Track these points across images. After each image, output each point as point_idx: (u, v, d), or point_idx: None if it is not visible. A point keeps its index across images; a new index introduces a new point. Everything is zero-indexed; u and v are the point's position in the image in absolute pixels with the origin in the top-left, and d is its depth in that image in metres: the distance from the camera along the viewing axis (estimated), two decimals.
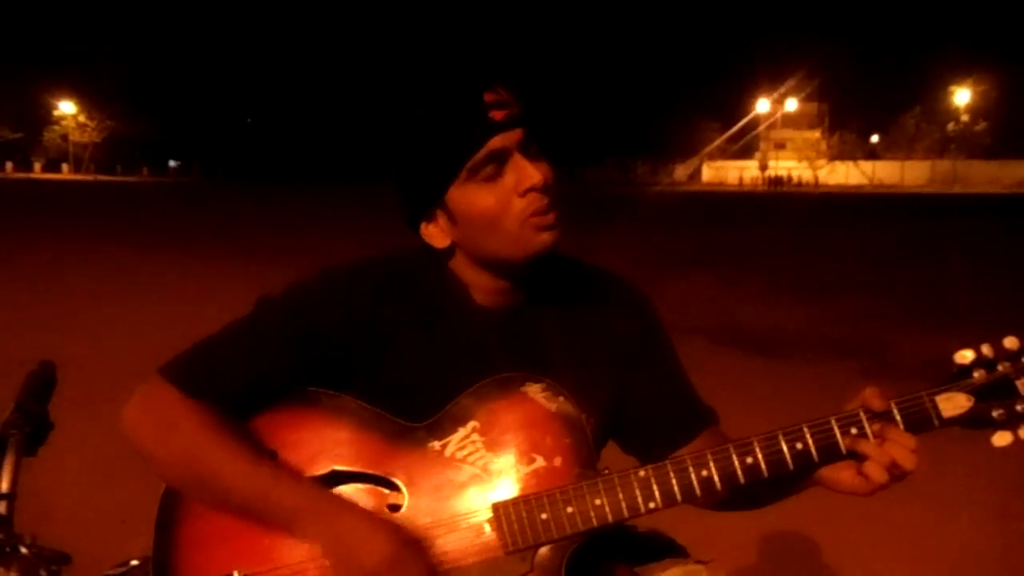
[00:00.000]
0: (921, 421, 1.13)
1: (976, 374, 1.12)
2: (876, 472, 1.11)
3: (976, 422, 1.12)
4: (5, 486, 1.21)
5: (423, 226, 1.26)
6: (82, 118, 78.79)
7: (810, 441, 1.13)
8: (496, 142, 1.18)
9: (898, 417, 1.13)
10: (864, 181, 78.63)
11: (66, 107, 79.29)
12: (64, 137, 79.27)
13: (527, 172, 1.19)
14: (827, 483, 1.18)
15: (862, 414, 1.14)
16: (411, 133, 1.22)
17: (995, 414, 1.12)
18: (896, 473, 1.12)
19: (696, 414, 1.37)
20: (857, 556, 3.10)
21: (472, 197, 1.20)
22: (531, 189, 1.19)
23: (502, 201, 1.19)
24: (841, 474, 1.16)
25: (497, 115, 1.18)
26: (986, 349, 1.13)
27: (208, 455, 1.16)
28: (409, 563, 1.11)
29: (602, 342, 1.34)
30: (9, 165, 75.11)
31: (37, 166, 78.62)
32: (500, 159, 1.19)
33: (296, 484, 1.16)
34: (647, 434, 1.36)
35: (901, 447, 1.11)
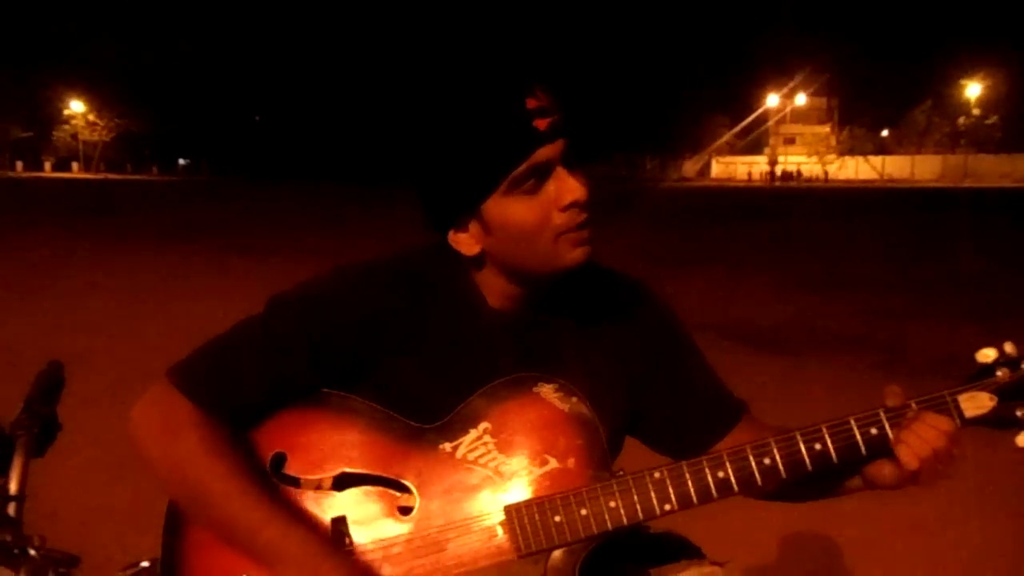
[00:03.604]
0: None
1: (999, 373, 1.11)
2: (907, 456, 1.10)
3: (999, 422, 1.10)
4: (14, 488, 1.20)
5: (452, 233, 1.21)
6: (92, 117, 79.04)
7: (829, 442, 1.12)
8: (541, 154, 1.12)
9: None
10: (874, 176, 78.31)
11: (76, 106, 79.57)
12: (74, 136, 79.52)
13: (570, 186, 1.14)
14: (871, 480, 1.17)
15: (882, 413, 1.12)
16: (447, 141, 1.15)
17: (1019, 414, 1.10)
18: (933, 460, 1.09)
19: (725, 410, 1.34)
20: (871, 555, 3.08)
21: (510, 209, 1.15)
22: (573, 204, 1.15)
23: (542, 215, 1.15)
24: (883, 469, 1.15)
25: (541, 124, 1.12)
26: (1009, 348, 1.11)
27: (206, 478, 1.14)
28: None
29: (616, 347, 1.31)
30: (19, 164, 75.43)
31: (47, 165, 78.92)
32: (543, 172, 1.14)
33: (286, 529, 1.13)
34: (679, 435, 1.33)
35: (935, 430, 1.09)
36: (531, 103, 1.12)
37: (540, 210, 1.15)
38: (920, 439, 1.09)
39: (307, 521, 1.16)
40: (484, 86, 1.14)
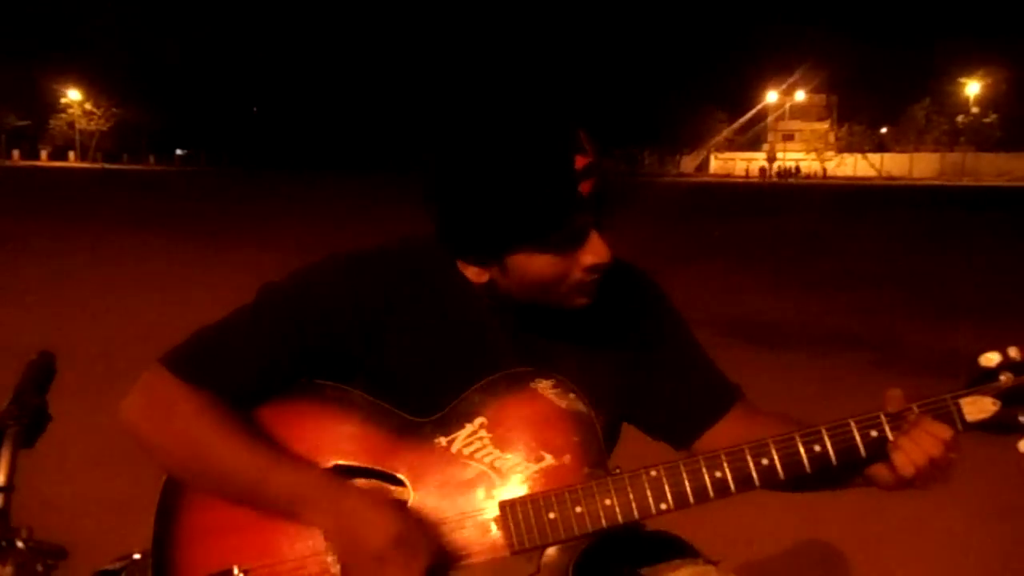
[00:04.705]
0: (943, 424, 1.09)
1: (1003, 377, 1.09)
2: (903, 462, 1.09)
3: (1001, 427, 1.09)
4: (2, 479, 1.18)
5: (462, 263, 1.19)
6: (89, 106, 78.78)
7: (828, 443, 1.10)
8: (579, 220, 1.10)
9: None
10: (873, 173, 78.37)
11: (73, 95, 79.30)
12: (71, 125, 79.30)
13: (600, 252, 1.12)
14: (868, 479, 1.16)
15: (882, 416, 1.11)
16: (486, 191, 1.08)
17: (1022, 419, 1.08)
18: (930, 467, 1.08)
19: (721, 392, 1.34)
20: (871, 553, 3.08)
21: (534, 263, 1.13)
22: (596, 267, 1.13)
23: (563, 270, 1.13)
24: (880, 471, 1.14)
25: (586, 188, 1.07)
26: (1013, 352, 1.10)
27: (206, 439, 1.14)
28: (414, 542, 1.08)
29: (612, 334, 1.31)
30: (16, 153, 75.26)
31: (44, 154, 78.70)
32: (577, 236, 1.11)
33: (296, 468, 1.13)
34: (674, 419, 1.32)
35: (933, 437, 1.08)
36: (580, 161, 1.07)
37: (563, 267, 1.13)
38: (917, 446, 1.08)
39: (311, 462, 1.15)
40: (533, 143, 1.07)
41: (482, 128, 1.11)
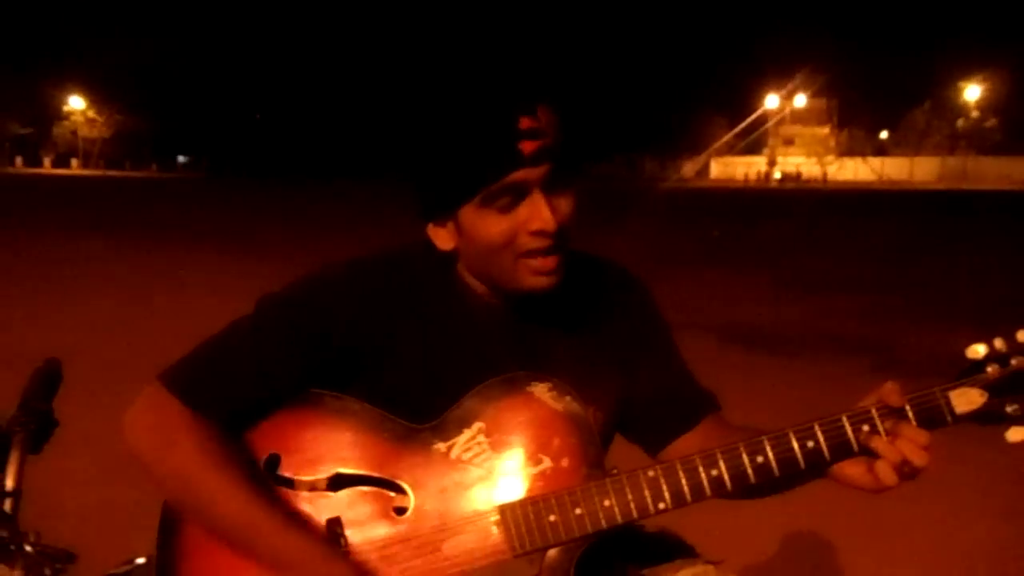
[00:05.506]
0: (934, 417, 1.11)
1: (989, 369, 1.10)
2: (886, 472, 1.09)
3: (990, 418, 1.10)
4: (10, 483, 1.20)
5: (431, 226, 1.24)
6: (91, 113, 78.99)
7: (821, 439, 1.12)
8: (518, 175, 1.13)
9: (910, 414, 1.11)
10: (873, 177, 78.33)
11: (75, 102, 79.49)
12: (73, 132, 79.48)
13: (542, 214, 1.14)
14: (836, 477, 1.16)
15: (874, 411, 1.12)
16: (437, 144, 1.17)
17: (1009, 409, 1.10)
18: (907, 471, 1.10)
19: (696, 401, 1.36)
20: (869, 554, 3.08)
21: (481, 221, 1.16)
22: (539, 232, 1.15)
23: (508, 233, 1.16)
24: (850, 469, 1.14)
25: (527, 147, 1.12)
26: (999, 343, 1.11)
27: (203, 482, 1.14)
28: None
29: (604, 334, 1.33)
30: (19, 160, 75.54)
31: (47, 161, 78.96)
32: (519, 192, 1.14)
33: (284, 532, 1.13)
34: (649, 423, 1.35)
35: (913, 444, 1.09)
36: (525, 123, 1.12)
37: (508, 228, 1.16)
38: (888, 465, 1.09)
39: (303, 523, 1.16)
40: (480, 98, 1.15)
41: (440, 87, 1.19)
